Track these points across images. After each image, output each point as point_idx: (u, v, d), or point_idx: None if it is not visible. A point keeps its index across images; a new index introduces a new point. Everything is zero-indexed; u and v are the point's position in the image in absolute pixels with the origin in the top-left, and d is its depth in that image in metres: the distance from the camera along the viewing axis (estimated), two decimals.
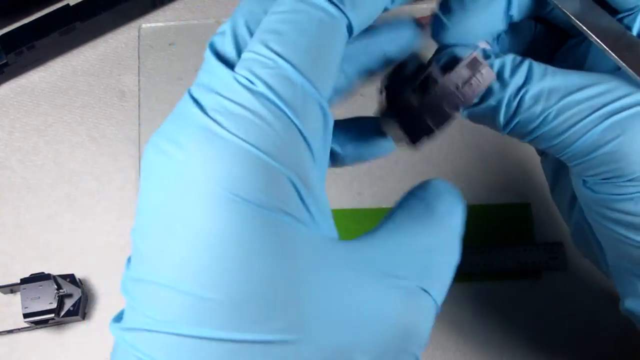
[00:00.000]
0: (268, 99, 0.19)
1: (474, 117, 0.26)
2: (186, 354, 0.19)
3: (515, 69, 0.25)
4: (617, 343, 0.43)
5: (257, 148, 0.19)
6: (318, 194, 0.21)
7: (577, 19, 0.27)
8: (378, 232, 0.24)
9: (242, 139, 0.19)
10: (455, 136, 0.47)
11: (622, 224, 0.26)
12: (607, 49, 0.26)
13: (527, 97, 0.25)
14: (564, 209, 0.32)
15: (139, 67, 0.49)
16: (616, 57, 0.26)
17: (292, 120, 0.19)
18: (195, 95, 0.20)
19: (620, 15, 0.27)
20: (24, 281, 0.41)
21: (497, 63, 0.25)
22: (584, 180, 0.27)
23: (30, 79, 0.48)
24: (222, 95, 0.20)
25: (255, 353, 0.19)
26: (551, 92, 0.25)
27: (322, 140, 0.21)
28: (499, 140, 0.47)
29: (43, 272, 0.42)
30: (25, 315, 0.41)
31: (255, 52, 0.20)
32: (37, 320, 0.41)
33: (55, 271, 0.42)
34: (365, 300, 0.21)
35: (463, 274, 0.44)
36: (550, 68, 0.26)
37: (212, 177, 0.19)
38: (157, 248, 0.20)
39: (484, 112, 0.26)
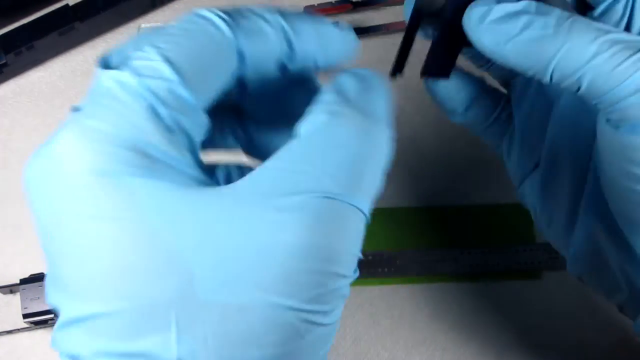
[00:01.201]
0: (132, 89, 0.21)
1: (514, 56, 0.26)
2: None
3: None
4: (617, 343, 0.43)
5: (119, 127, 0.20)
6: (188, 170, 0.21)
7: None
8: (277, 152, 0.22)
9: (105, 122, 0.20)
10: (456, 136, 0.47)
11: None
12: None
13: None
14: (559, 230, 0.32)
15: None
16: None
17: (150, 103, 0.21)
18: None
19: (599, 12, 0.27)
20: (24, 282, 0.41)
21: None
22: (616, 125, 0.26)
23: (29, 79, 0.48)
24: (93, 90, 0.21)
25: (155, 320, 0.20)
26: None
27: (192, 125, 0.22)
28: None
29: (43, 273, 0.41)
30: (25, 316, 0.41)
31: (140, 50, 0.21)
32: (37, 321, 0.41)
33: None
34: (252, 233, 0.20)
35: (463, 274, 0.44)
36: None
37: (80, 161, 0.20)
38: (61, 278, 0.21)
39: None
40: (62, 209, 0.21)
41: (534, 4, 0.26)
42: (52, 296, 0.22)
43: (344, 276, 0.21)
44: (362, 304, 0.44)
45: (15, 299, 0.43)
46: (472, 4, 0.27)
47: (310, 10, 0.48)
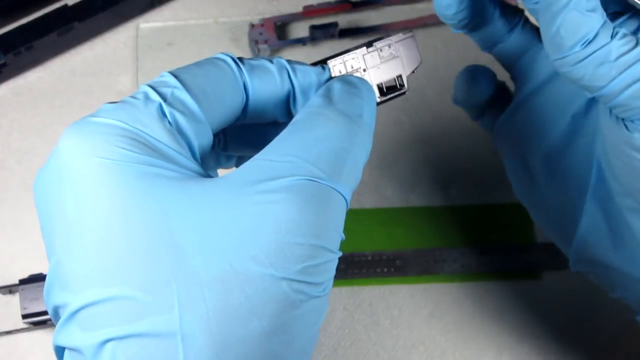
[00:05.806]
0: (143, 93, 0.24)
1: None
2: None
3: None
4: (618, 343, 0.43)
5: (122, 121, 0.23)
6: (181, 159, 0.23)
7: None
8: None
9: (109, 118, 0.23)
10: (456, 137, 0.47)
11: None
12: None
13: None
14: (565, 218, 0.33)
15: (137, 67, 0.48)
16: None
17: (159, 104, 0.23)
18: None
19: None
20: (23, 282, 0.41)
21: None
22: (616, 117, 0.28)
23: (28, 79, 0.48)
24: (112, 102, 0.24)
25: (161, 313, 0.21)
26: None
27: (192, 125, 0.24)
28: None
29: (42, 273, 0.41)
30: (24, 316, 0.41)
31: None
32: (36, 321, 0.41)
33: None
34: (241, 212, 0.22)
35: (463, 274, 0.44)
36: None
37: (80, 151, 0.22)
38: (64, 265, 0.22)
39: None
40: (65, 201, 0.22)
41: None
42: (55, 296, 0.22)
43: (331, 251, 0.23)
44: (362, 304, 0.44)
45: (14, 300, 0.43)
46: None
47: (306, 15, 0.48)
